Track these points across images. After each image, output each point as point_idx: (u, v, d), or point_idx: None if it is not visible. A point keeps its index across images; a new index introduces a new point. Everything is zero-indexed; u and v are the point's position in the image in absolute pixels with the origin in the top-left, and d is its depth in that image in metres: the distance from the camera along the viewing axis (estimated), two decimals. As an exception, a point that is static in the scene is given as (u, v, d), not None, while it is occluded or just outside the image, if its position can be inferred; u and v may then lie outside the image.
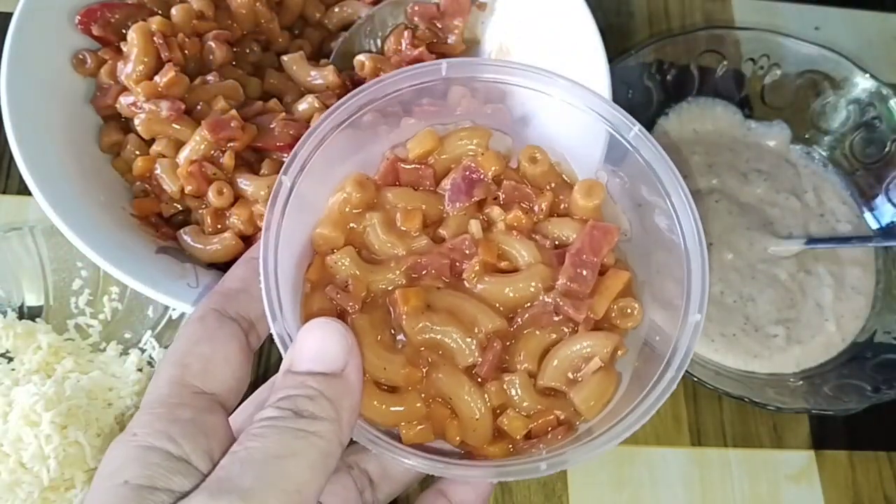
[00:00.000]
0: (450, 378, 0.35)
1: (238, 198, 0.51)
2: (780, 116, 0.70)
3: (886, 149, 0.67)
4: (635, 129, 0.38)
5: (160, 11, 0.55)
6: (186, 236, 0.51)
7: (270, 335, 0.33)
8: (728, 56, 0.70)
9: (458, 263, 0.37)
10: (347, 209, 0.38)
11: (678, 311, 0.36)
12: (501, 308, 0.36)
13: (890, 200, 0.68)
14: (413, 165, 0.39)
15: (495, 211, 0.38)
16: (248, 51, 0.59)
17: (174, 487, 0.28)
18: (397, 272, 0.36)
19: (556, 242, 0.38)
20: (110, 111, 0.54)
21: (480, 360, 0.35)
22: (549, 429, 0.35)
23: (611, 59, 0.56)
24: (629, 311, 0.37)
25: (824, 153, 0.70)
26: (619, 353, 0.36)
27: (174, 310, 0.56)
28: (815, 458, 0.62)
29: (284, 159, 0.52)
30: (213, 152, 0.51)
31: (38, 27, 0.52)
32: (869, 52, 0.78)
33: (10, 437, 0.49)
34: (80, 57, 0.54)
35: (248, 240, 0.51)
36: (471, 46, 0.63)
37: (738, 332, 0.62)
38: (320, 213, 0.38)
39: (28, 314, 0.56)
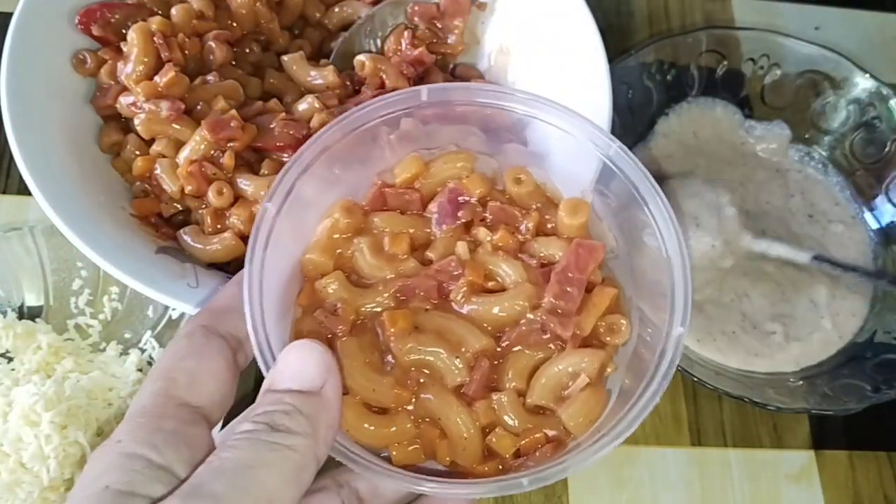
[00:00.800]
0: (438, 398, 0.35)
1: (238, 198, 0.51)
2: (780, 116, 0.70)
3: (886, 149, 0.67)
4: (615, 146, 0.39)
5: (160, 11, 0.55)
6: (186, 236, 0.51)
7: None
8: (728, 56, 0.70)
9: (445, 285, 0.37)
10: (336, 234, 0.38)
11: (660, 328, 0.36)
12: (489, 327, 0.37)
13: (890, 200, 0.68)
14: (400, 190, 0.40)
15: (482, 232, 0.39)
16: (248, 51, 0.59)
17: (153, 494, 0.28)
18: (385, 295, 0.37)
19: (543, 261, 0.38)
20: (110, 111, 0.54)
21: (468, 379, 0.35)
22: (539, 446, 0.35)
23: (611, 59, 0.56)
24: (616, 327, 0.37)
25: (824, 153, 0.70)
26: (608, 369, 0.37)
27: (174, 310, 0.56)
28: (815, 458, 0.62)
29: (285, 159, 0.53)
30: (213, 152, 0.51)
31: (38, 27, 0.52)
32: (869, 52, 0.78)
33: (9, 437, 0.49)
34: (80, 57, 0.54)
35: (247, 240, 0.51)
36: (470, 46, 0.63)
37: (738, 329, 0.62)
38: (308, 239, 0.38)
39: (28, 314, 0.56)
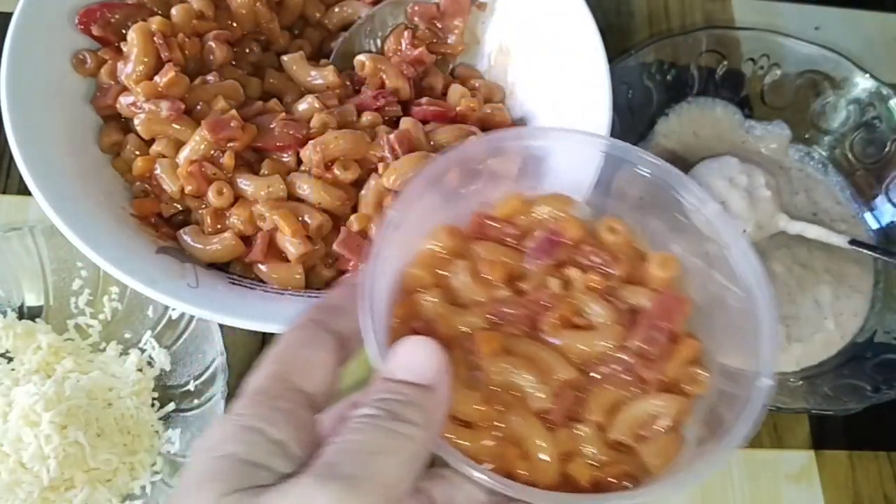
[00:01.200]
0: (522, 419, 0.37)
1: (238, 198, 0.51)
2: (780, 116, 0.70)
3: (886, 149, 0.67)
4: (714, 206, 0.41)
5: (160, 11, 0.55)
6: (186, 236, 0.51)
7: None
8: (728, 56, 0.70)
9: (536, 315, 0.39)
10: (438, 254, 0.41)
11: (745, 379, 0.38)
12: (576, 360, 0.38)
13: (890, 200, 0.68)
14: (499, 223, 0.42)
15: (574, 272, 0.40)
16: (248, 51, 0.59)
17: (274, 467, 0.30)
18: (479, 316, 0.39)
19: (630, 308, 0.40)
20: (110, 111, 0.54)
21: (553, 406, 0.37)
22: (615, 479, 0.37)
23: (611, 59, 0.56)
24: (697, 377, 0.39)
25: (824, 153, 0.70)
26: (687, 417, 0.38)
27: (174, 310, 0.56)
28: (815, 458, 0.62)
29: (285, 159, 0.53)
30: (213, 152, 0.51)
31: (38, 27, 0.52)
32: (869, 52, 0.78)
33: (9, 437, 0.49)
34: (80, 57, 0.54)
35: (247, 240, 0.51)
36: (471, 46, 0.63)
37: None
38: (410, 255, 0.40)
39: (28, 314, 0.56)
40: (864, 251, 0.62)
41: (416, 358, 0.33)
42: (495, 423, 0.36)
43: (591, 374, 0.38)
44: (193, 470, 0.30)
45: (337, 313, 0.36)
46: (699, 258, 0.42)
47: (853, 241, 0.62)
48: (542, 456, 0.36)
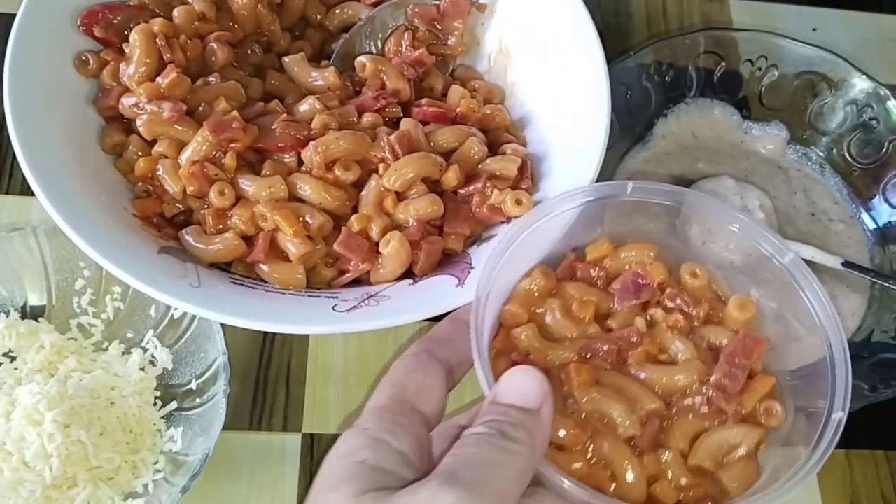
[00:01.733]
0: (612, 445, 0.40)
1: (239, 198, 0.52)
2: (777, 117, 0.71)
3: (884, 149, 0.68)
4: (790, 254, 0.45)
5: (162, 13, 0.56)
6: (188, 236, 0.51)
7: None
8: (726, 57, 0.70)
9: (623, 351, 0.43)
10: (533, 293, 0.45)
11: (816, 414, 0.42)
12: (660, 392, 0.42)
13: (887, 201, 0.68)
14: (589, 265, 0.46)
15: (658, 312, 0.45)
16: (249, 52, 0.59)
17: (401, 473, 0.34)
18: (570, 351, 0.43)
19: (709, 346, 0.44)
20: (112, 112, 0.54)
21: (640, 433, 0.41)
22: (697, 502, 0.40)
23: (609, 61, 0.56)
24: (773, 411, 0.43)
25: (822, 154, 0.71)
26: (762, 446, 0.42)
27: (176, 309, 0.56)
28: (813, 457, 0.62)
29: (286, 160, 0.53)
30: (214, 153, 0.52)
31: (40, 28, 0.53)
32: (866, 54, 0.79)
33: (12, 436, 0.49)
34: (83, 58, 0.54)
35: (249, 240, 0.51)
36: (470, 48, 0.63)
37: None
38: (507, 292, 0.45)
39: (31, 314, 0.57)
40: (856, 274, 0.62)
41: (524, 384, 0.37)
42: (586, 448, 0.40)
43: (674, 405, 0.42)
44: (329, 473, 0.34)
45: (444, 345, 0.41)
46: (775, 301, 0.46)
47: (846, 264, 0.62)
48: (631, 478, 0.40)
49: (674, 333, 0.44)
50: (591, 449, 0.40)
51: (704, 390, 0.42)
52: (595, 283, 0.46)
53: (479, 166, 0.55)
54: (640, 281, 0.45)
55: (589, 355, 0.43)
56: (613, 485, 0.40)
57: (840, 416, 0.40)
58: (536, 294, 0.45)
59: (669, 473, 0.40)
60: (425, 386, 0.39)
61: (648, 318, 0.45)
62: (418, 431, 0.37)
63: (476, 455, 0.34)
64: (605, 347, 0.43)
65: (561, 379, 0.41)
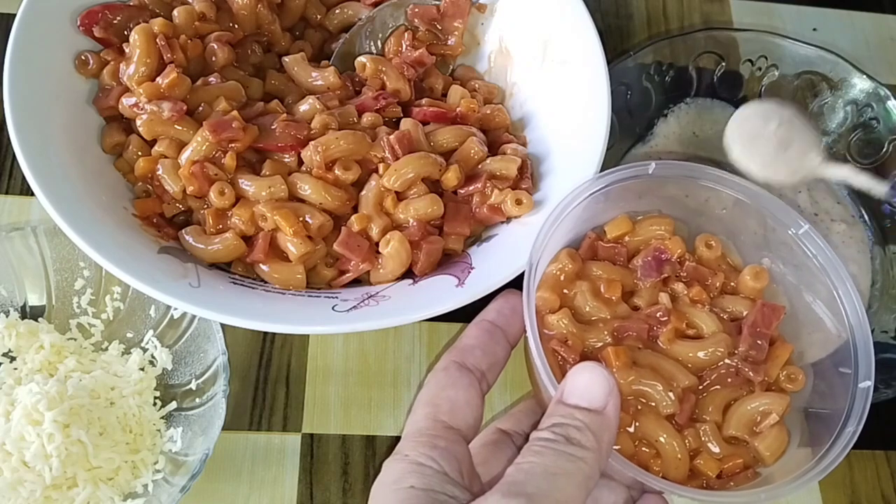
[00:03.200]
0: (655, 424, 0.42)
1: (239, 198, 0.52)
2: (778, 117, 0.71)
3: (884, 149, 0.68)
4: (805, 227, 0.46)
5: (161, 13, 0.56)
6: (188, 236, 0.51)
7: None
8: (726, 57, 0.70)
9: (653, 328, 0.44)
10: (562, 277, 0.45)
11: (844, 378, 0.44)
12: (691, 368, 0.43)
13: (888, 201, 0.68)
14: (610, 244, 0.47)
15: (679, 286, 0.46)
16: (249, 52, 0.59)
17: (448, 492, 0.35)
18: (605, 333, 0.43)
19: (731, 316, 0.46)
20: (112, 112, 0.54)
21: (679, 410, 0.42)
22: (737, 471, 0.42)
23: (610, 61, 0.56)
24: (795, 377, 0.44)
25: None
26: (787, 412, 0.43)
27: (176, 309, 0.56)
28: (813, 457, 0.62)
29: (286, 160, 0.53)
30: (214, 153, 0.52)
31: (40, 28, 0.53)
32: (867, 53, 0.79)
33: (12, 436, 0.49)
34: (83, 58, 0.54)
35: (249, 240, 0.51)
36: (470, 48, 0.63)
37: None
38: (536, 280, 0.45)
39: (31, 314, 0.57)
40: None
41: (588, 384, 0.37)
42: (626, 429, 0.41)
43: (706, 379, 0.43)
44: (386, 499, 0.35)
45: (472, 352, 0.41)
46: (788, 269, 0.47)
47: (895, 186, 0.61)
48: (677, 455, 0.41)
49: (697, 308, 0.45)
50: (635, 428, 0.41)
51: (733, 362, 0.43)
52: (617, 260, 0.47)
53: (479, 166, 0.55)
54: (661, 256, 0.46)
55: (621, 336, 0.44)
56: (659, 462, 0.41)
57: (868, 384, 0.42)
58: (563, 278, 0.45)
59: (709, 446, 0.42)
60: (458, 401, 0.39)
61: (670, 291, 0.46)
62: (456, 450, 0.37)
63: (540, 464, 0.34)
64: (636, 326, 0.44)
65: (597, 360, 0.42)
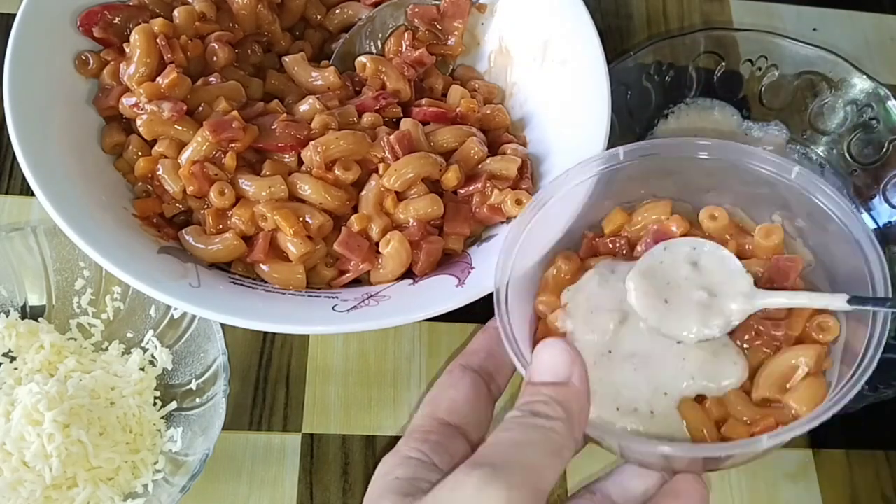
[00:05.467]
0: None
1: (239, 198, 0.52)
2: (777, 117, 0.71)
3: (884, 149, 0.68)
4: (796, 169, 0.45)
5: (161, 13, 0.56)
6: (188, 236, 0.51)
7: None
8: (726, 57, 0.70)
9: None
10: (561, 277, 0.45)
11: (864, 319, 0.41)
12: None
13: (887, 201, 0.68)
14: (609, 239, 0.47)
15: None
16: (249, 52, 0.59)
17: (432, 480, 0.36)
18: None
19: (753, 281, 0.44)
20: (112, 112, 0.54)
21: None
22: (769, 428, 0.41)
23: (610, 61, 0.56)
24: (825, 325, 0.43)
25: (822, 154, 0.70)
26: (826, 365, 0.42)
27: (176, 309, 0.56)
28: (814, 458, 0.62)
29: (286, 160, 0.53)
30: (214, 153, 0.52)
31: (40, 28, 0.53)
32: (867, 53, 0.79)
33: (12, 436, 0.49)
34: (83, 58, 0.54)
35: (249, 240, 0.51)
36: (470, 48, 0.63)
37: None
38: (533, 283, 0.46)
39: (31, 314, 0.57)
40: (867, 308, 0.45)
41: (550, 360, 0.38)
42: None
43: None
44: (371, 492, 0.37)
45: (476, 355, 0.43)
46: (801, 217, 0.46)
47: (853, 299, 0.44)
48: (701, 429, 0.40)
49: None
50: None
51: (752, 323, 0.42)
52: (619, 253, 0.46)
53: (479, 166, 0.55)
54: (661, 237, 0.45)
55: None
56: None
57: (885, 312, 0.40)
58: (565, 276, 0.45)
59: (736, 413, 0.41)
60: (458, 399, 0.40)
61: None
62: (450, 444, 0.38)
63: (507, 438, 0.35)
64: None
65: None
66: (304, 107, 0.55)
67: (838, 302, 0.41)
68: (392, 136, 0.53)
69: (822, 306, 0.42)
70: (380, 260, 0.52)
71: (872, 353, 0.39)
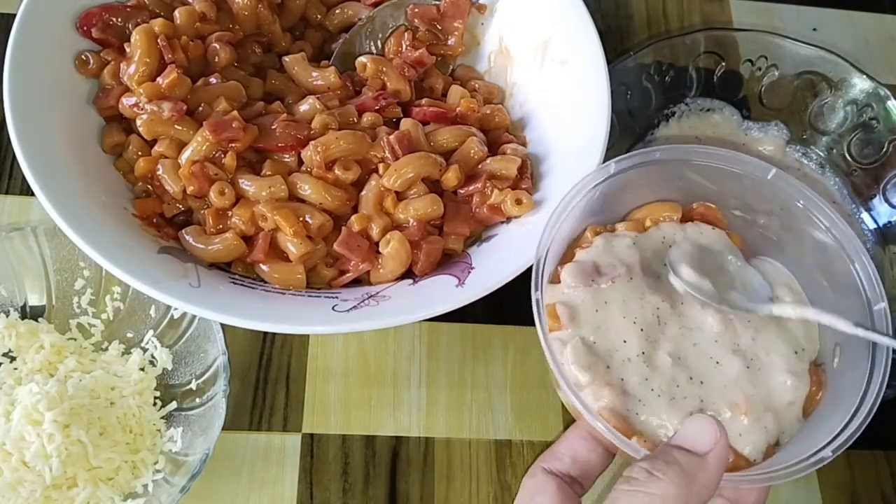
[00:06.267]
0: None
1: (239, 198, 0.52)
2: (777, 117, 0.71)
3: (884, 149, 0.68)
4: (773, 170, 0.47)
5: (161, 13, 0.56)
6: (188, 236, 0.51)
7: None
8: (726, 57, 0.70)
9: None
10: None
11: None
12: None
13: (887, 201, 0.68)
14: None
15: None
16: (249, 52, 0.59)
17: None
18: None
19: None
20: (112, 112, 0.54)
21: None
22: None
23: (610, 61, 0.56)
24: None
25: (822, 154, 0.71)
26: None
27: (176, 309, 0.56)
28: (813, 457, 0.62)
29: (286, 160, 0.53)
30: (214, 153, 0.52)
31: (40, 28, 0.53)
32: (866, 53, 0.79)
33: (12, 436, 0.49)
34: (83, 58, 0.54)
35: (249, 240, 0.51)
36: (470, 48, 0.63)
37: None
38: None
39: (31, 314, 0.57)
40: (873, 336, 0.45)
41: (696, 431, 0.38)
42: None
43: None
44: None
45: (563, 461, 0.43)
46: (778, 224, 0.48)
47: (859, 324, 0.45)
48: None
49: None
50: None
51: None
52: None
53: (479, 166, 0.55)
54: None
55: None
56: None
57: (882, 305, 0.43)
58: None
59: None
60: None
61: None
62: None
63: (611, 495, 0.36)
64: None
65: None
66: (304, 107, 0.55)
67: (844, 324, 0.43)
68: (392, 136, 0.53)
69: (827, 322, 0.44)
70: (380, 260, 0.52)
71: (888, 347, 0.41)
